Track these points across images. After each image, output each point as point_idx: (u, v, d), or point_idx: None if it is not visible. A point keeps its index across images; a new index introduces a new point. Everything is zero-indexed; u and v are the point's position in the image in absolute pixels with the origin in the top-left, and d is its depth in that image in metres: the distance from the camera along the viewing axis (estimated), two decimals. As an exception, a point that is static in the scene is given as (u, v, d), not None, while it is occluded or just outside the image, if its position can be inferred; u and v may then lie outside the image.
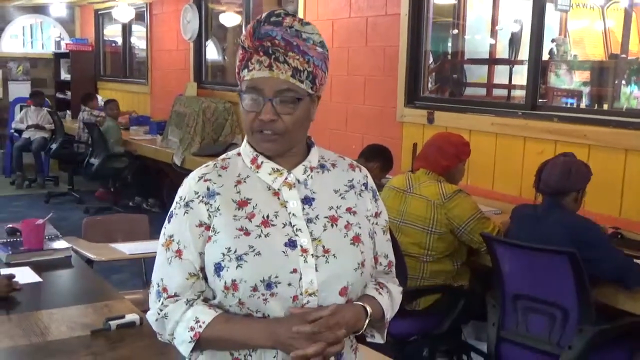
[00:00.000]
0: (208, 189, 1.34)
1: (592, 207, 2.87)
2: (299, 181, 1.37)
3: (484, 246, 2.96)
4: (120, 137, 7.28)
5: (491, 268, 2.87)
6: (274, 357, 1.30)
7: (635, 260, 2.66)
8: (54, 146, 8.34)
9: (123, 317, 2.13)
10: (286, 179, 1.36)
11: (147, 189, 7.67)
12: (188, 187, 1.37)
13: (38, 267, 2.69)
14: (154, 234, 3.53)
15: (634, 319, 2.56)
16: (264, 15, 1.32)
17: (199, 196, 1.34)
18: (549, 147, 3.64)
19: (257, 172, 1.37)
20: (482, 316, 2.97)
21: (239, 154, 1.41)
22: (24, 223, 2.90)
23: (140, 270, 3.80)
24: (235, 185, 1.35)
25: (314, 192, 1.38)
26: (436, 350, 3.32)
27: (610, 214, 3.28)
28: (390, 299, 1.44)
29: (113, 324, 2.09)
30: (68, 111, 9.62)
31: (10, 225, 3.15)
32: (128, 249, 3.17)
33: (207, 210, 1.33)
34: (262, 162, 1.37)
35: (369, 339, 1.45)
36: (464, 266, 3.18)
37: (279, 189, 1.36)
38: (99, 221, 3.74)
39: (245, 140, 1.40)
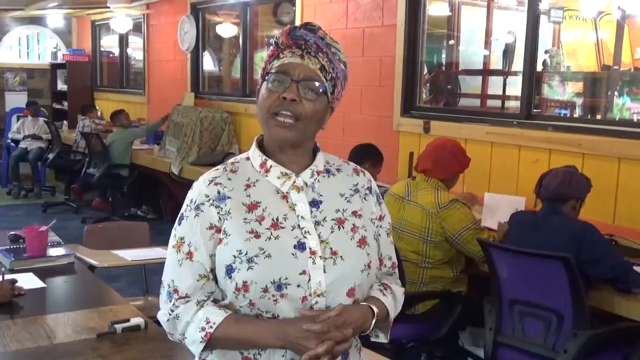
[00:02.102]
0: (219, 192, 1.38)
1: (587, 214, 2.93)
2: (306, 184, 1.41)
3: (479, 255, 3.01)
4: (130, 148, 7.22)
5: (488, 274, 2.92)
6: (283, 356, 1.34)
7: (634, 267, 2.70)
8: (50, 156, 8.36)
9: (128, 320, 2.16)
10: (294, 182, 1.40)
11: (144, 199, 7.68)
12: (198, 190, 1.40)
13: (41, 273, 2.72)
14: (152, 241, 3.58)
15: (628, 323, 2.60)
16: (299, 23, 1.44)
17: (209, 199, 1.38)
18: (543, 156, 3.70)
19: (266, 175, 1.41)
20: (479, 322, 3.01)
21: (247, 158, 1.45)
22: (27, 230, 2.92)
23: (137, 279, 3.81)
24: (245, 189, 1.39)
25: (321, 195, 1.42)
26: (434, 356, 3.36)
27: (605, 221, 3.33)
28: (393, 299, 1.49)
29: (119, 327, 2.12)
30: (65, 121, 9.63)
31: (13, 232, 3.18)
32: (130, 255, 3.20)
33: (218, 213, 1.37)
34: (271, 166, 1.41)
35: (373, 339, 1.50)
36: (463, 273, 3.22)
37: (287, 192, 1.40)
38: (100, 229, 3.77)
39: (253, 145, 1.45)
